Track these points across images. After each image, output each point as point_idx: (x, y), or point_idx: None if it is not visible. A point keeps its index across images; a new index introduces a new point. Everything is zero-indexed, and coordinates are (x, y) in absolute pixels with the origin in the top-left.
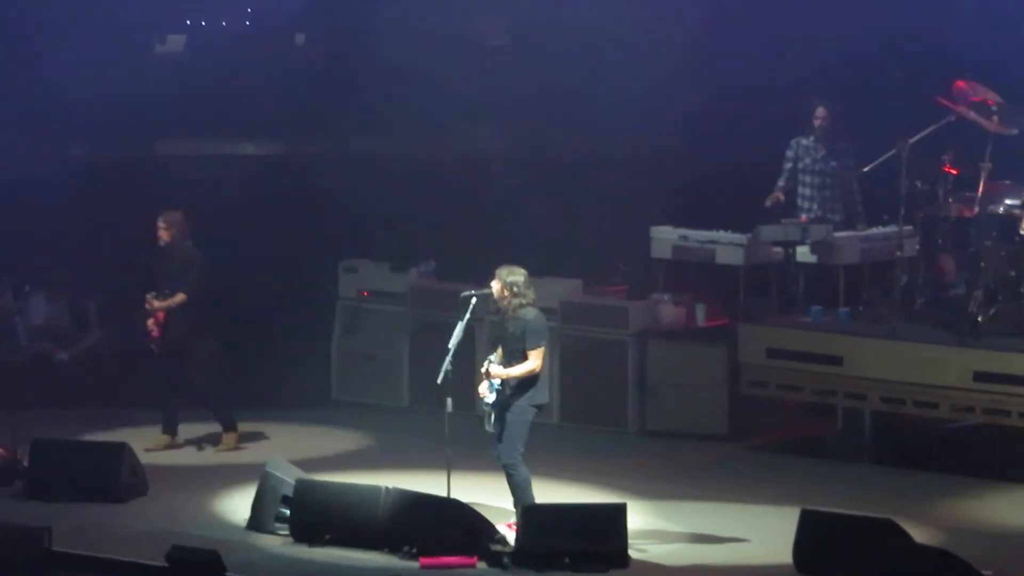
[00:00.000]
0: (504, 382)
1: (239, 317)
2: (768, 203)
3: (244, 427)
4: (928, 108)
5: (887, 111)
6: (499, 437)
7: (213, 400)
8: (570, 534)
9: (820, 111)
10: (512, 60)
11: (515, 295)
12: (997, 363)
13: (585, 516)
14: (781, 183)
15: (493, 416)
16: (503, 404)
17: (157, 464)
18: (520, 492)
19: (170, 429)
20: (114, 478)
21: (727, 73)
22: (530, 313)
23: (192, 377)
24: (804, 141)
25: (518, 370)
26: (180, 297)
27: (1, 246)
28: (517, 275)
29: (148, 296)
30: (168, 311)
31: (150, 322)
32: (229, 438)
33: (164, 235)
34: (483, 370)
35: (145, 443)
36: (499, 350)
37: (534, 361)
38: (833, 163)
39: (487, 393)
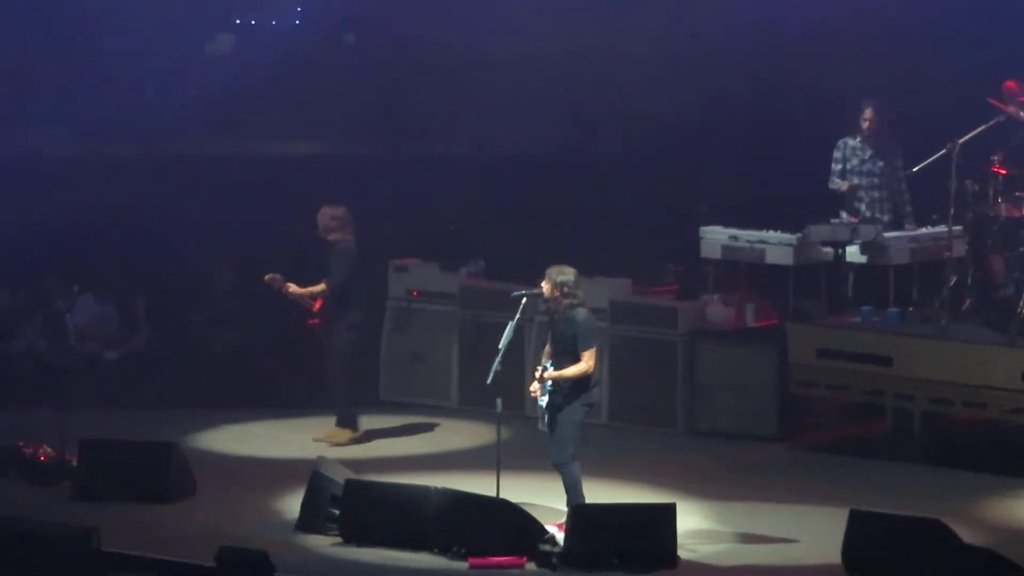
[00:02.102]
0: (556, 383)
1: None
2: (844, 188)
3: (288, 426)
4: (978, 108)
5: (937, 110)
6: (554, 438)
7: (341, 392)
8: (619, 534)
9: (868, 112)
10: (562, 60)
11: (565, 295)
12: None
13: (634, 516)
14: (836, 182)
15: (547, 417)
16: (556, 404)
17: (205, 464)
18: (569, 491)
19: (347, 422)
20: (162, 478)
21: (777, 73)
22: (581, 314)
23: (328, 365)
24: (851, 142)
25: (571, 371)
26: (319, 287)
27: (50, 247)
28: (567, 275)
29: (275, 275)
30: (323, 300)
31: (314, 320)
32: (338, 433)
33: (321, 227)
34: (537, 375)
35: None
36: (547, 350)
37: (586, 362)
38: (881, 163)
39: (540, 395)
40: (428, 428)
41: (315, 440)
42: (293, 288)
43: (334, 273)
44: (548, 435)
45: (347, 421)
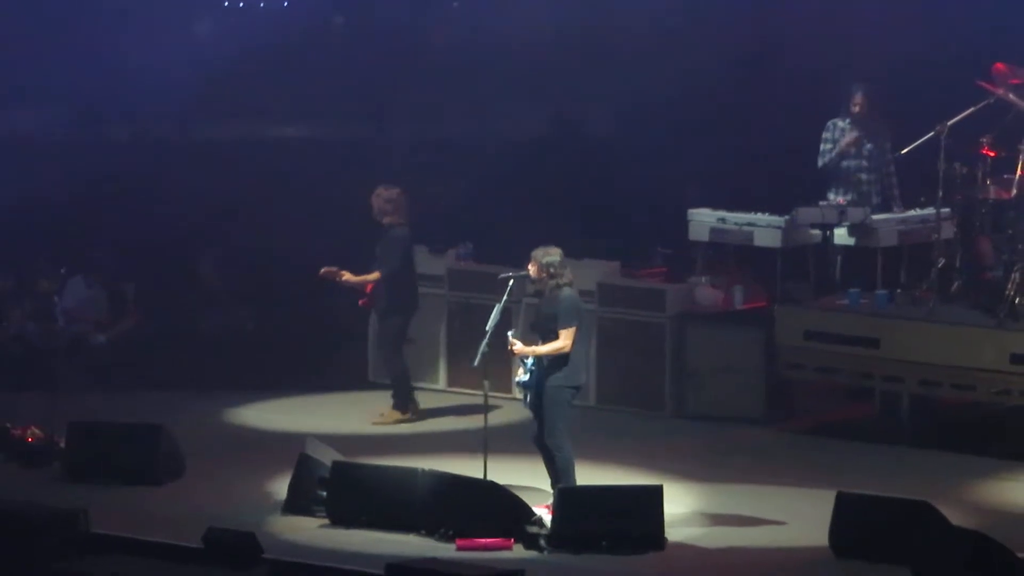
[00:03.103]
0: (538, 363)
1: (279, 297)
2: (850, 139)
3: (278, 407)
4: (968, 90)
5: (926, 93)
6: (538, 420)
7: (397, 375)
8: (606, 516)
9: (858, 97)
10: (552, 42)
11: (552, 275)
12: None
13: (622, 498)
14: (823, 162)
15: (529, 395)
16: (538, 388)
17: (193, 446)
18: (562, 474)
19: (401, 405)
20: (151, 460)
21: (766, 55)
22: (566, 292)
23: (382, 348)
24: (841, 123)
25: (545, 348)
26: (374, 275)
27: (39, 230)
28: (553, 256)
29: (330, 268)
30: (375, 285)
31: (363, 300)
32: (392, 414)
33: (376, 209)
34: (509, 346)
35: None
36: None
37: (562, 340)
38: (869, 145)
39: (521, 374)
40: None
41: (374, 424)
42: (348, 276)
43: (386, 261)
44: (533, 417)
45: (402, 403)
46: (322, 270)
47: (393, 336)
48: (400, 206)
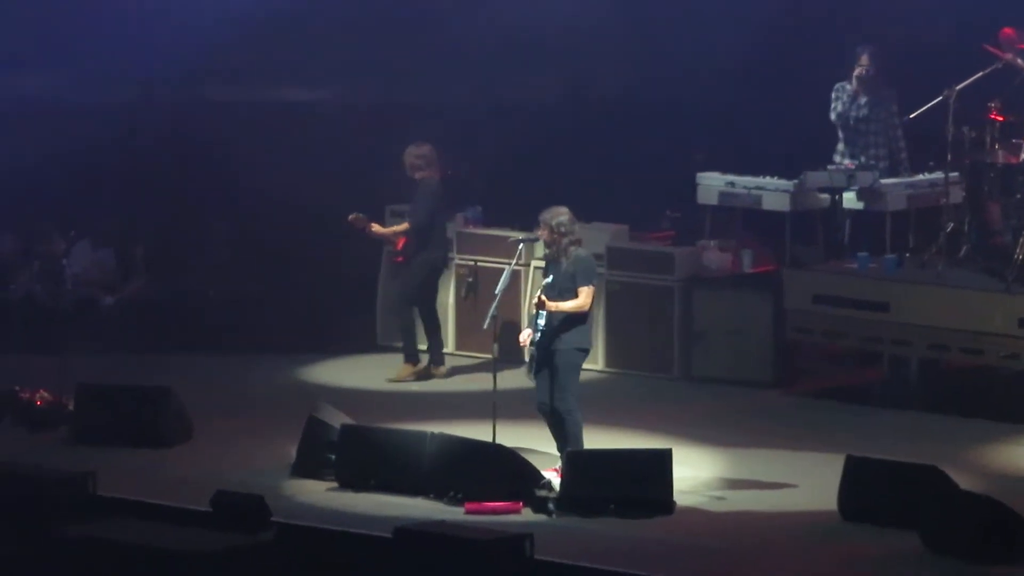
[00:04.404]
0: (548, 324)
1: (289, 260)
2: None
3: (287, 370)
4: (976, 55)
5: (935, 57)
6: (548, 383)
7: (402, 327)
8: (615, 480)
9: (863, 59)
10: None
11: (563, 235)
12: None
13: (630, 462)
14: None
15: (534, 364)
16: (548, 350)
17: (202, 408)
18: (572, 438)
19: (413, 359)
20: (159, 422)
21: (773, 17)
22: (581, 251)
23: (401, 299)
24: (848, 87)
25: (568, 305)
26: (403, 226)
27: (48, 191)
28: (562, 215)
29: (359, 215)
30: (407, 237)
31: (399, 258)
32: (405, 368)
33: (408, 166)
34: (534, 300)
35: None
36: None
37: (584, 298)
38: (877, 110)
39: (533, 333)
40: (424, 374)
41: (389, 381)
42: (376, 228)
43: (415, 211)
44: (538, 381)
45: (412, 355)
46: (351, 216)
47: (414, 286)
48: (432, 161)
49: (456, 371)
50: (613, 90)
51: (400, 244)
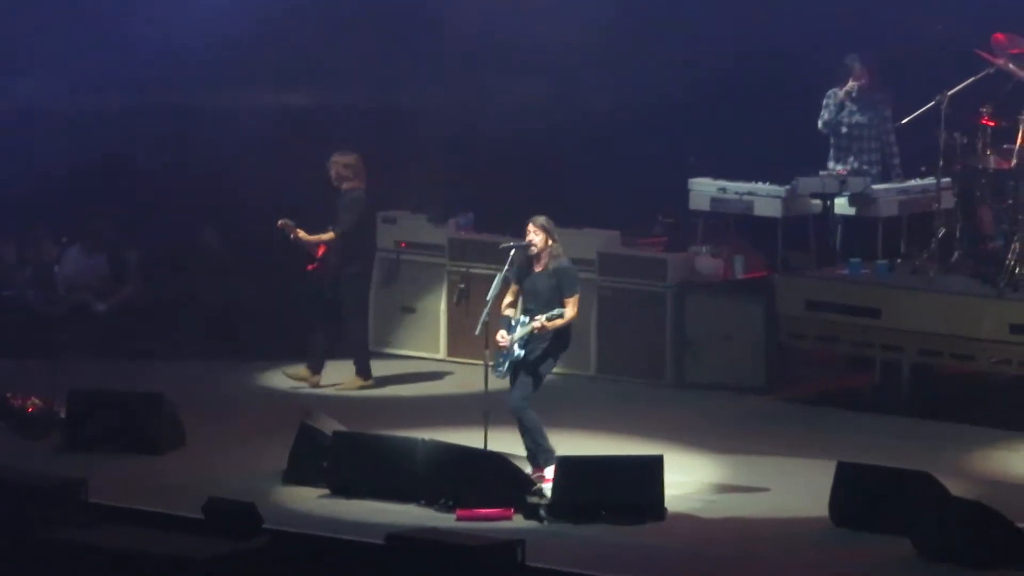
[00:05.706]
0: (533, 338)
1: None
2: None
3: (279, 377)
4: (968, 60)
5: (926, 63)
6: (517, 384)
7: (353, 340)
8: (607, 486)
9: (856, 69)
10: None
11: (555, 239)
12: None
13: (622, 468)
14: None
15: (507, 364)
16: (533, 355)
17: (194, 415)
18: (536, 433)
19: (315, 366)
20: (152, 429)
21: (766, 24)
22: (563, 261)
23: (343, 315)
24: (840, 93)
25: (562, 321)
26: (327, 235)
27: (41, 196)
28: (547, 220)
29: (287, 221)
30: (328, 247)
31: (312, 264)
32: (353, 380)
33: (333, 175)
34: (536, 327)
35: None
36: (503, 302)
37: (573, 308)
38: (869, 115)
39: (516, 349)
40: (416, 380)
41: (336, 389)
42: (302, 234)
43: (341, 221)
44: (512, 384)
45: (362, 369)
46: (280, 221)
47: (354, 302)
48: (359, 171)
49: (447, 377)
50: (605, 96)
51: (320, 252)
